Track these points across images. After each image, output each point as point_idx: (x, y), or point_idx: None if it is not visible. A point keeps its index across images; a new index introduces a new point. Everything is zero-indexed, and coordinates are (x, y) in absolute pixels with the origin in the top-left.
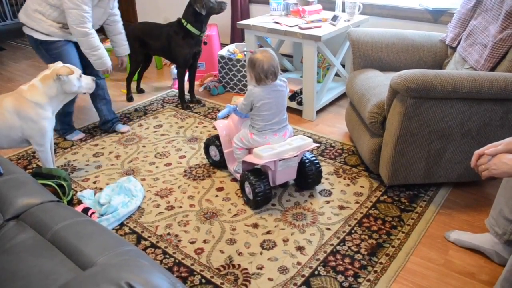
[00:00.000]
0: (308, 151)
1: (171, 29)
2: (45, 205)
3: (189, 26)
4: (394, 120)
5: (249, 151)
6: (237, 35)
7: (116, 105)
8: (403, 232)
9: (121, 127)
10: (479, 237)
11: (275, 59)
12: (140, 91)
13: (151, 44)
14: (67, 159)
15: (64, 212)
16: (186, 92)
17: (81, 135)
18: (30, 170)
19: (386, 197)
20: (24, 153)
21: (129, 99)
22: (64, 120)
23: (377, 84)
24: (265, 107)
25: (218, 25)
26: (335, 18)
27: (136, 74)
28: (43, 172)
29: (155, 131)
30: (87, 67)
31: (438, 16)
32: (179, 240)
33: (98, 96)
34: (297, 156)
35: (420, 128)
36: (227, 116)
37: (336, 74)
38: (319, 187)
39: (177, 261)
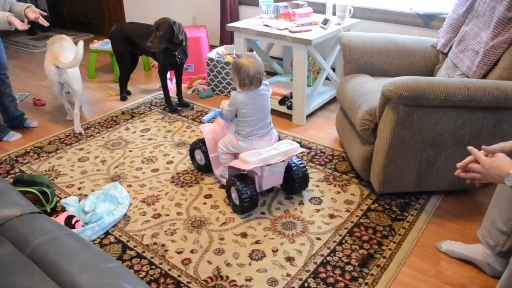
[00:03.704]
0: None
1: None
2: (25, 217)
3: None
4: (385, 127)
5: (235, 155)
6: (226, 37)
7: (103, 107)
8: (394, 242)
9: (31, 123)
10: (471, 248)
11: (261, 66)
12: (126, 93)
13: (139, 44)
14: (51, 163)
15: (45, 225)
16: (174, 95)
17: (18, 136)
18: (13, 176)
19: (377, 205)
20: (6, 157)
21: (123, 98)
22: None
23: (368, 90)
24: (250, 112)
25: (207, 27)
26: (325, 21)
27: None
28: (25, 179)
29: (142, 135)
30: None
31: (429, 21)
32: (166, 250)
33: (4, 94)
34: (283, 161)
35: (412, 136)
36: (213, 120)
37: (327, 78)
38: (308, 195)
39: (163, 272)
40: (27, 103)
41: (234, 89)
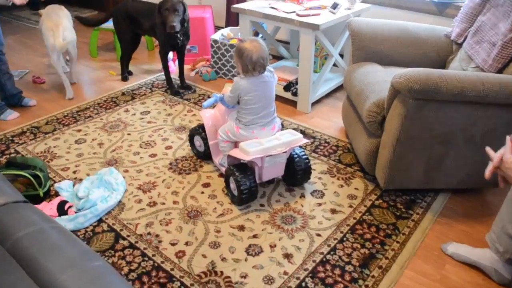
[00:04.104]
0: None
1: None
2: (9, 207)
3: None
4: (393, 121)
5: (235, 144)
6: (232, 18)
7: (103, 87)
8: (397, 242)
9: (29, 101)
10: (478, 252)
11: (265, 50)
12: (128, 73)
13: (142, 23)
14: (47, 145)
15: (29, 215)
16: (177, 77)
17: (16, 114)
18: (7, 156)
19: (381, 201)
20: (2, 136)
21: (124, 78)
22: None
23: (377, 80)
24: (253, 100)
25: (212, 7)
26: (335, 5)
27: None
28: (18, 162)
29: (142, 118)
30: None
31: (443, 9)
32: (160, 241)
33: (1, 71)
34: (285, 152)
35: (421, 132)
36: (214, 105)
37: (334, 64)
38: (310, 188)
39: (156, 264)
40: (26, 80)
41: (238, 74)
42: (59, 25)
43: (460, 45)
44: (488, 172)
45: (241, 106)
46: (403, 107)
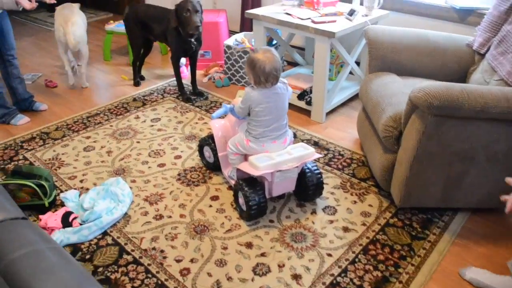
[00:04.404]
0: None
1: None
2: (6, 224)
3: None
4: (411, 137)
5: (245, 157)
6: (247, 23)
7: (115, 92)
8: (412, 265)
9: (40, 106)
10: (499, 279)
11: (278, 61)
12: (140, 78)
13: (153, 28)
14: (56, 151)
15: (27, 234)
16: (189, 83)
17: (26, 119)
18: (16, 163)
19: (396, 219)
20: (12, 142)
21: (136, 83)
22: None
23: (394, 92)
24: (264, 112)
25: (227, 11)
26: (352, 12)
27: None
28: (23, 171)
29: (152, 125)
30: (1, 44)
31: (465, 16)
32: (164, 257)
33: (12, 75)
34: (297, 167)
35: (440, 149)
36: (223, 116)
37: (350, 72)
38: (322, 203)
39: (159, 282)
40: (39, 84)
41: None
42: (69, 21)
43: (482, 56)
44: (509, 206)
45: (252, 117)
46: (421, 123)
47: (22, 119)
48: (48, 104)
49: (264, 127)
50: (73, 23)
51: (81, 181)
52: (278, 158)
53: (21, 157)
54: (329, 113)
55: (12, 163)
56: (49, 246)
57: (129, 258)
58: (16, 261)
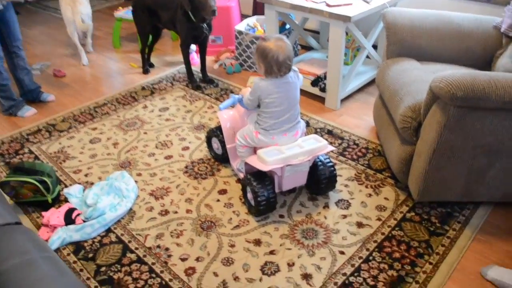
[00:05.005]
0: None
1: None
2: None
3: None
4: (431, 129)
5: (254, 149)
6: (259, 5)
7: (123, 81)
8: (430, 263)
9: (47, 97)
10: None
11: (291, 50)
12: (149, 65)
13: (160, 15)
14: (61, 144)
15: (20, 242)
16: (199, 70)
17: (33, 111)
18: (21, 157)
19: (413, 214)
20: (18, 134)
21: (145, 71)
22: (6, 96)
23: (414, 79)
24: (275, 103)
25: None
26: None
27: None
28: (25, 167)
29: (160, 115)
30: (6, 36)
31: None
32: (169, 256)
33: (19, 67)
34: (308, 160)
35: (462, 141)
36: (232, 106)
37: (367, 56)
38: (335, 197)
39: (163, 283)
40: (47, 73)
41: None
42: (76, 1)
43: (511, 39)
44: None
45: (262, 109)
46: (443, 114)
47: (29, 111)
48: (55, 95)
49: (274, 119)
50: (80, 2)
51: (86, 175)
52: (289, 151)
53: (26, 150)
54: (344, 99)
55: (18, 156)
56: (43, 255)
57: (133, 256)
58: (5, 272)
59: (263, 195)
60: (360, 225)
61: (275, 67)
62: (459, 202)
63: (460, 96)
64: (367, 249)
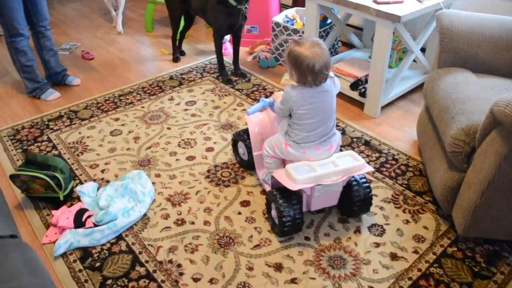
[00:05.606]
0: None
1: None
2: None
3: None
4: (487, 158)
5: (283, 161)
6: None
7: (152, 69)
8: None
9: (73, 80)
10: None
11: (328, 56)
12: (180, 53)
13: (191, 2)
14: (81, 134)
15: (10, 262)
16: (231, 62)
17: (57, 95)
18: (39, 144)
19: (455, 249)
20: (39, 120)
21: (175, 59)
22: (30, 77)
23: (469, 96)
24: (308, 114)
25: None
26: None
27: (178, 33)
28: (38, 160)
29: (186, 109)
30: (33, 15)
31: None
32: (181, 274)
33: (45, 47)
34: (342, 180)
35: None
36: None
37: (413, 60)
38: (369, 220)
39: None
40: (76, 54)
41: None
42: None
43: None
44: None
45: (293, 120)
46: (504, 144)
47: (52, 94)
48: (81, 78)
49: (307, 132)
50: None
51: (103, 171)
52: (321, 169)
53: (45, 138)
54: (385, 106)
55: (36, 144)
56: (33, 282)
57: (142, 271)
58: None
59: (289, 215)
60: (394, 256)
61: (310, 77)
62: (509, 241)
63: None
64: (400, 287)
